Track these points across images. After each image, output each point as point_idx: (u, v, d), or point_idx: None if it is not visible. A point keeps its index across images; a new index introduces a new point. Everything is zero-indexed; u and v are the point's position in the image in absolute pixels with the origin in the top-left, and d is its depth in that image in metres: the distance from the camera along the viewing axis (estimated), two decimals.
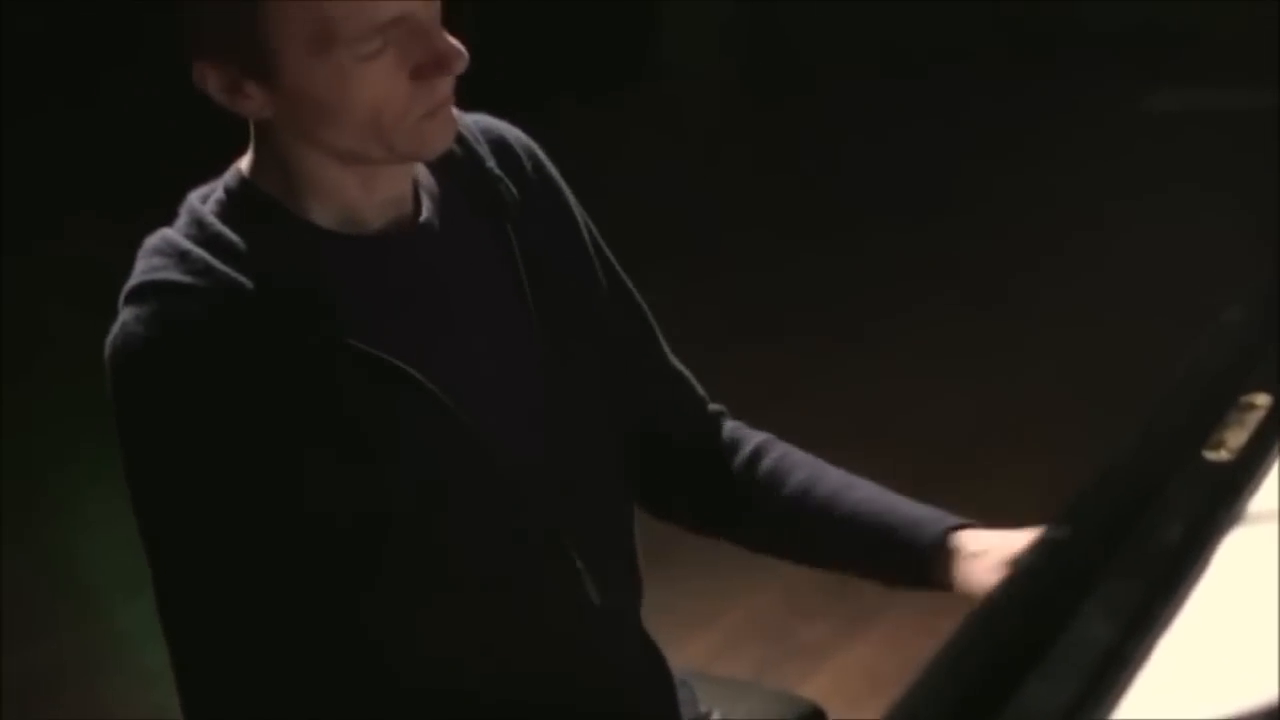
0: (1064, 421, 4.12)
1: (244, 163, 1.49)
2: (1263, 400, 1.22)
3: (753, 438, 1.73)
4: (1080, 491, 1.18)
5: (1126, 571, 1.00)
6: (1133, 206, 5.74)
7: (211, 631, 1.43)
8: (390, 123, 1.39)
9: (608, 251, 1.67)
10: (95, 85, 7.17)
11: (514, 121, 1.66)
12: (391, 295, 1.46)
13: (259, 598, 1.42)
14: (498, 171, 1.56)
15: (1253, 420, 1.19)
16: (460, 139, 1.54)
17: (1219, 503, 1.07)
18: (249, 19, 1.35)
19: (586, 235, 1.64)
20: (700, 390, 1.75)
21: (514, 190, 1.57)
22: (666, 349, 1.72)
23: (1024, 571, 1.04)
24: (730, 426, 1.74)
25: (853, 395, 4.60)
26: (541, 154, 1.63)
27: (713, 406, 1.75)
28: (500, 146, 1.59)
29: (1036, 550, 1.07)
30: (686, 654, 3.15)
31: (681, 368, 1.73)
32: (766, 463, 1.69)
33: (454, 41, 1.40)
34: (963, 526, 1.57)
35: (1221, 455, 1.15)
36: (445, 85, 1.41)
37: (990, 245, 5.72)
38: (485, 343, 1.51)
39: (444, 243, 1.51)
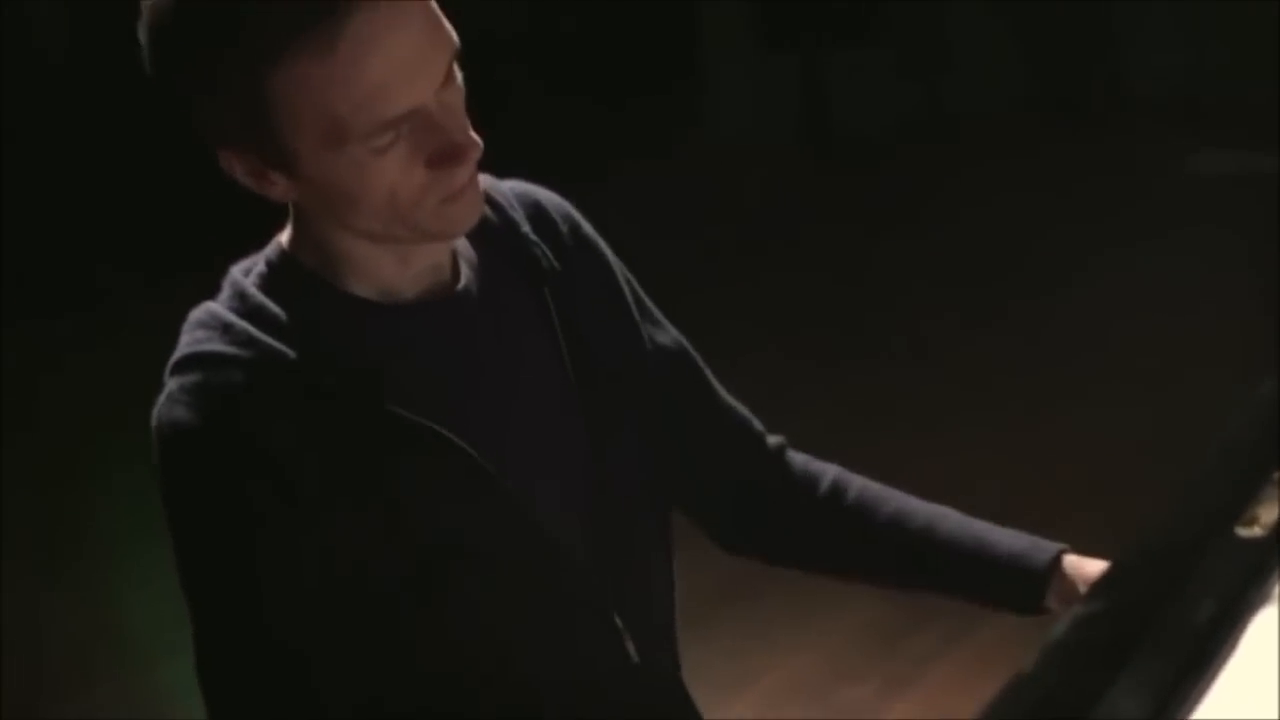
0: (1109, 483, 4.12)
1: (284, 236, 1.51)
2: None
3: (827, 470, 1.76)
4: (1113, 565, 1.19)
5: (1157, 649, 1.01)
6: (1172, 266, 5.74)
7: (246, 694, 1.44)
8: (408, 208, 1.40)
9: (649, 303, 1.68)
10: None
11: (565, 180, 1.67)
12: (431, 362, 1.48)
13: (295, 661, 1.44)
14: (533, 237, 1.58)
15: None
16: (496, 205, 1.56)
17: (1251, 580, 1.07)
18: (263, 118, 1.35)
19: (627, 291, 1.65)
20: (758, 425, 1.77)
21: (550, 255, 1.58)
22: (719, 389, 1.74)
23: (1055, 645, 1.05)
24: (800, 459, 1.77)
25: (894, 452, 4.60)
26: (577, 215, 1.65)
27: (773, 439, 1.77)
28: (536, 211, 1.61)
29: (1068, 624, 1.07)
30: (728, 715, 3.16)
31: (737, 404, 1.76)
32: (852, 493, 1.72)
33: (470, 132, 1.40)
34: (1064, 551, 1.62)
35: (1255, 531, 1.15)
36: (463, 172, 1.41)
37: (1034, 302, 5.73)
38: (525, 409, 1.52)
39: (482, 309, 1.52)
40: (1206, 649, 0.99)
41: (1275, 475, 1.24)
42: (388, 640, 1.46)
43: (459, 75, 1.40)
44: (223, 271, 1.52)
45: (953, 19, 8.59)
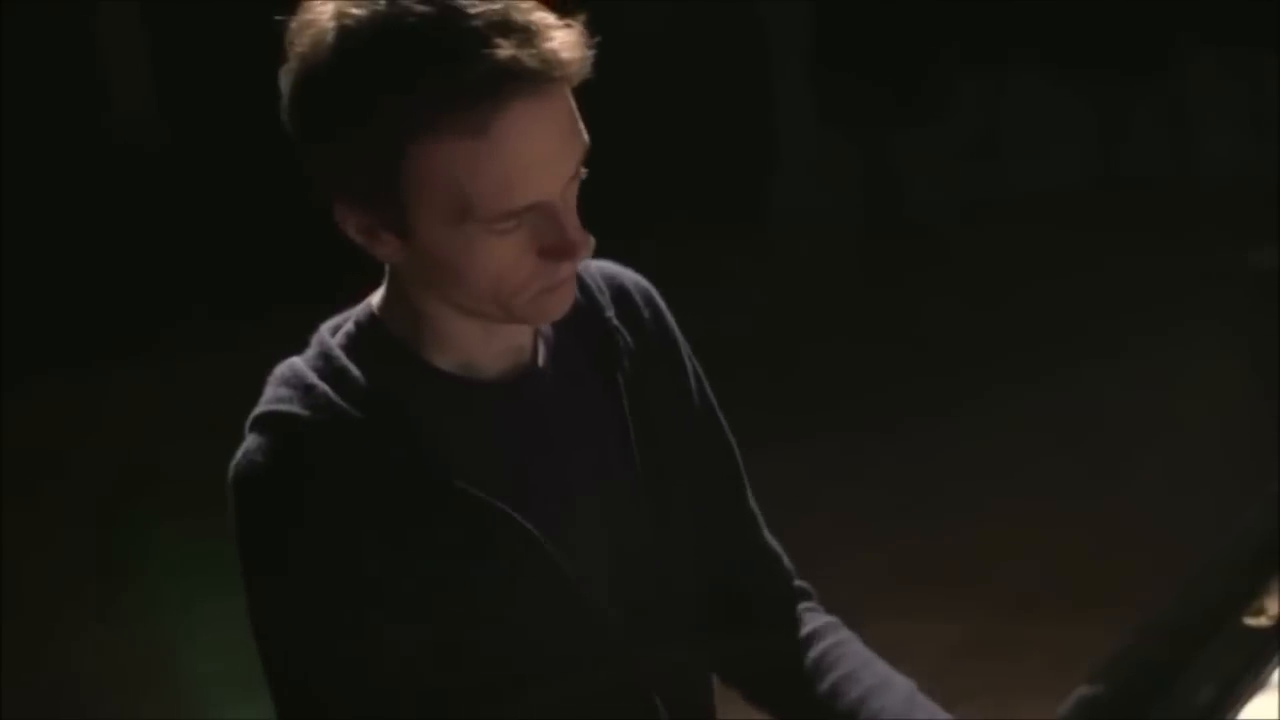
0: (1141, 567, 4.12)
1: (376, 299, 1.52)
2: None
3: (813, 621, 1.71)
4: (1122, 646, 1.23)
5: None
6: (1227, 359, 5.76)
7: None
8: (510, 293, 1.41)
9: (712, 398, 1.67)
10: None
11: (635, 246, 1.68)
12: (503, 441, 1.49)
13: (351, 709, 1.47)
14: (615, 322, 1.58)
15: None
16: (583, 286, 1.56)
17: (1252, 667, 1.11)
18: (393, 184, 1.37)
19: (694, 384, 1.65)
20: (790, 567, 1.73)
21: (630, 340, 1.59)
22: (750, 502, 1.70)
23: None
24: (804, 606, 1.72)
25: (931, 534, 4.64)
26: (660, 302, 1.64)
27: (799, 583, 1.73)
28: (620, 295, 1.61)
29: (1073, 703, 1.12)
30: None
31: (773, 541, 1.72)
32: (815, 650, 1.68)
33: (582, 230, 1.41)
34: None
35: (1261, 622, 1.20)
36: (570, 266, 1.43)
37: (1090, 390, 5.75)
38: (589, 493, 1.53)
39: (557, 392, 1.54)
40: None
41: None
42: (431, 700, 1.48)
43: (582, 172, 1.42)
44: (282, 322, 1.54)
45: (1018, 99, 8.65)
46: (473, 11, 1.32)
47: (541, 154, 1.37)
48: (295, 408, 1.44)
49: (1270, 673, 1.11)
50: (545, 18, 1.35)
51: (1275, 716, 1.05)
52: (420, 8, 1.33)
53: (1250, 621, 1.20)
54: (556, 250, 1.39)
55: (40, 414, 6.49)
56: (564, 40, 1.34)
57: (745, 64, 8.86)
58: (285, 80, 1.39)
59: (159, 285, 7.54)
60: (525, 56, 1.32)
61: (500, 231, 1.37)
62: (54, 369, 6.87)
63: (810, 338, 6.64)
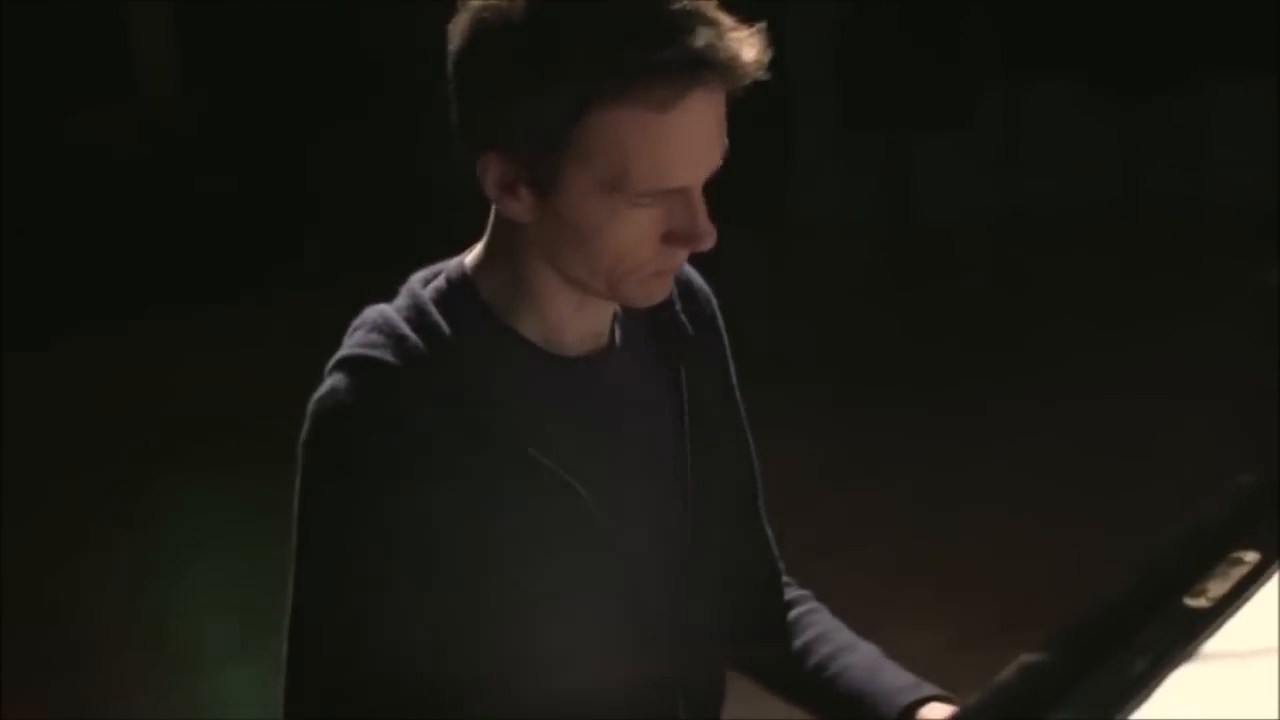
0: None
1: (469, 259, 1.58)
2: (1251, 557, 1.32)
3: (789, 591, 1.82)
4: (1068, 623, 1.29)
5: (1086, 696, 1.11)
6: (1234, 378, 5.79)
7: (328, 664, 1.53)
8: (626, 270, 1.49)
9: (742, 411, 1.75)
10: None
11: None
12: (575, 414, 1.56)
13: (379, 648, 1.52)
14: (683, 316, 1.66)
15: (1237, 574, 1.29)
16: None
17: (1185, 644, 1.17)
18: (564, 140, 1.43)
19: (735, 392, 1.73)
20: (776, 552, 1.82)
21: (692, 333, 1.66)
22: (763, 508, 1.80)
23: (999, 686, 1.15)
24: (794, 608, 1.81)
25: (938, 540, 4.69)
26: (715, 303, 1.72)
27: (786, 581, 1.83)
28: (687, 290, 1.69)
29: (1016, 669, 1.18)
30: None
31: (769, 531, 1.81)
32: (791, 614, 1.79)
33: (710, 223, 1.49)
34: (930, 699, 1.64)
35: (1200, 603, 1.25)
36: (684, 255, 1.51)
37: (1097, 401, 5.79)
38: (644, 472, 1.60)
39: (627, 374, 1.60)
40: (1128, 698, 1.09)
41: (1232, 555, 1.34)
42: (464, 653, 1.54)
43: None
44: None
45: (1041, 111, 8.68)
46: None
47: (703, 143, 1.46)
48: (387, 355, 1.50)
49: (1199, 646, 1.16)
50: (730, 19, 1.44)
51: (1197, 683, 1.11)
52: None
53: (1190, 602, 1.26)
54: (684, 237, 1.48)
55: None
56: (749, 42, 1.44)
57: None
58: (464, 24, 1.46)
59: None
60: (719, 49, 1.41)
61: (641, 206, 1.45)
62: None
63: (824, 340, 6.69)
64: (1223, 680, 1.11)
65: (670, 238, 1.48)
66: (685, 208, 1.47)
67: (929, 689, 1.65)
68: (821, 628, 1.77)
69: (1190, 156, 8.61)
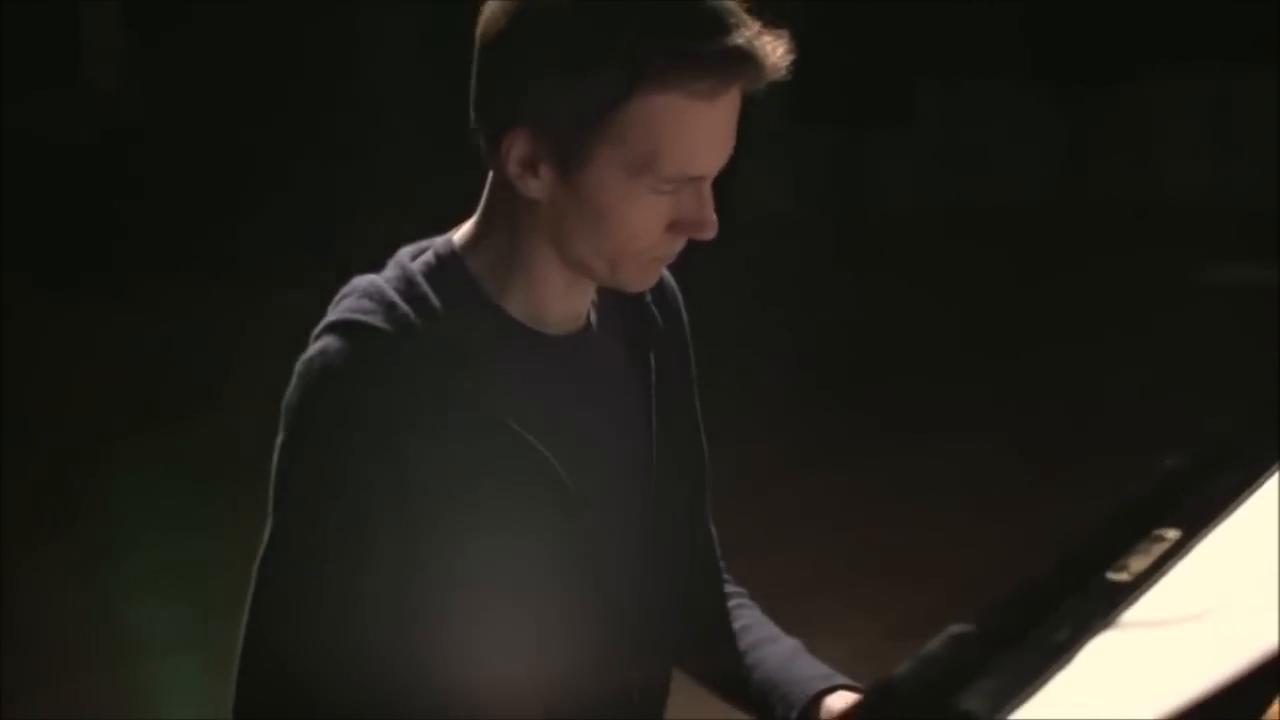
0: None
1: (458, 236, 1.64)
2: (1172, 534, 1.36)
3: (745, 633, 1.84)
4: (997, 597, 1.33)
5: (1009, 663, 1.14)
6: (1178, 372, 5.87)
7: (290, 613, 1.56)
8: (632, 252, 1.56)
9: (695, 396, 1.81)
10: None
11: None
12: (552, 389, 1.62)
13: (362, 604, 1.55)
14: (654, 307, 1.73)
15: (1158, 550, 1.33)
16: None
17: (1105, 615, 1.21)
18: (600, 121, 1.50)
19: (695, 391, 1.80)
20: (718, 551, 1.88)
21: (661, 324, 1.74)
22: (709, 512, 1.85)
23: (925, 656, 1.19)
24: (735, 613, 1.86)
25: (887, 526, 4.74)
26: (682, 302, 1.79)
27: (731, 587, 1.88)
28: (659, 285, 1.74)
29: (943, 639, 1.21)
30: None
31: (713, 528, 1.87)
32: (748, 659, 1.81)
33: (714, 215, 1.58)
34: (840, 688, 1.70)
35: (1123, 577, 1.29)
36: (682, 243, 1.60)
37: (1044, 394, 5.85)
38: (614, 453, 1.67)
39: (603, 356, 1.68)
40: (1048, 666, 1.13)
41: (1154, 532, 1.38)
42: (425, 613, 1.57)
43: None
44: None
45: (988, 107, 8.76)
46: None
47: (726, 135, 1.56)
48: (377, 320, 1.55)
49: (1117, 617, 1.20)
50: (756, 22, 1.55)
51: (1115, 650, 1.15)
52: None
53: (1113, 576, 1.30)
54: (692, 224, 1.57)
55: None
56: (779, 46, 1.54)
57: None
58: (510, 3, 1.52)
59: None
60: (757, 47, 1.51)
61: (660, 192, 1.53)
62: None
63: (774, 335, 6.74)
64: (1140, 647, 1.15)
65: (676, 225, 1.57)
66: (696, 197, 1.56)
67: (840, 679, 1.71)
68: (745, 621, 1.83)
69: (1134, 151, 8.70)
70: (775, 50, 1.53)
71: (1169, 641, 1.13)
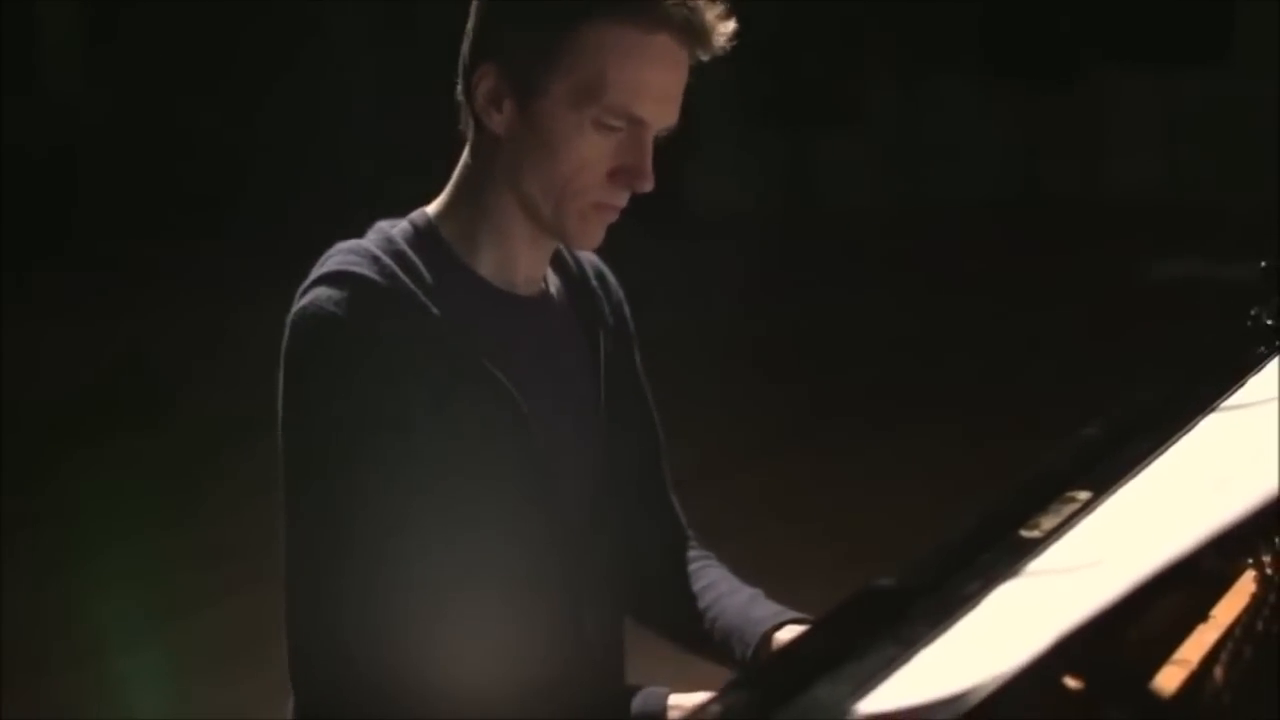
0: None
1: (431, 207, 1.80)
2: (1083, 495, 1.44)
3: (707, 589, 1.96)
4: (916, 553, 1.40)
5: (921, 611, 1.22)
6: (1129, 365, 5.97)
7: (308, 543, 1.68)
8: (574, 191, 1.70)
9: (645, 382, 1.96)
10: None
11: None
12: (520, 341, 1.77)
13: (355, 527, 1.66)
14: (600, 294, 1.89)
15: (1069, 510, 1.41)
16: (574, 259, 1.89)
17: (1012, 567, 1.29)
18: (551, 50, 1.66)
19: (638, 358, 1.95)
20: (683, 520, 2.02)
21: (608, 311, 1.89)
22: (668, 479, 2.00)
23: (843, 606, 1.26)
24: (697, 570, 1.99)
25: (843, 514, 4.82)
26: (626, 306, 1.94)
27: (693, 550, 2.01)
28: (599, 275, 1.93)
29: (863, 590, 1.29)
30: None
31: (675, 501, 2.01)
32: (710, 612, 1.93)
33: (652, 172, 1.72)
34: (785, 624, 1.82)
35: (1034, 534, 1.37)
36: (624, 198, 1.74)
37: (992, 385, 5.94)
38: (569, 406, 1.81)
39: (559, 319, 1.84)
40: (956, 612, 1.21)
41: (1067, 494, 1.46)
42: (405, 542, 1.67)
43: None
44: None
45: (937, 108, 8.85)
46: None
47: (667, 87, 1.70)
48: (366, 271, 1.69)
49: (1022, 568, 1.28)
50: (718, 4, 1.71)
51: (1018, 596, 1.22)
52: None
53: (1024, 533, 1.38)
54: (630, 171, 1.71)
55: None
56: (722, 26, 1.71)
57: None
58: None
59: None
60: (699, 6, 1.68)
61: (603, 128, 1.69)
62: None
63: (729, 328, 6.81)
64: (1042, 593, 1.23)
65: (617, 174, 1.71)
66: (637, 145, 1.71)
67: (790, 614, 1.83)
68: (709, 579, 1.96)
69: (1085, 148, 8.81)
70: (716, 23, 1.69)
71: (1069, 590, 1.21)
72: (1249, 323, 2.00)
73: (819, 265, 7.98)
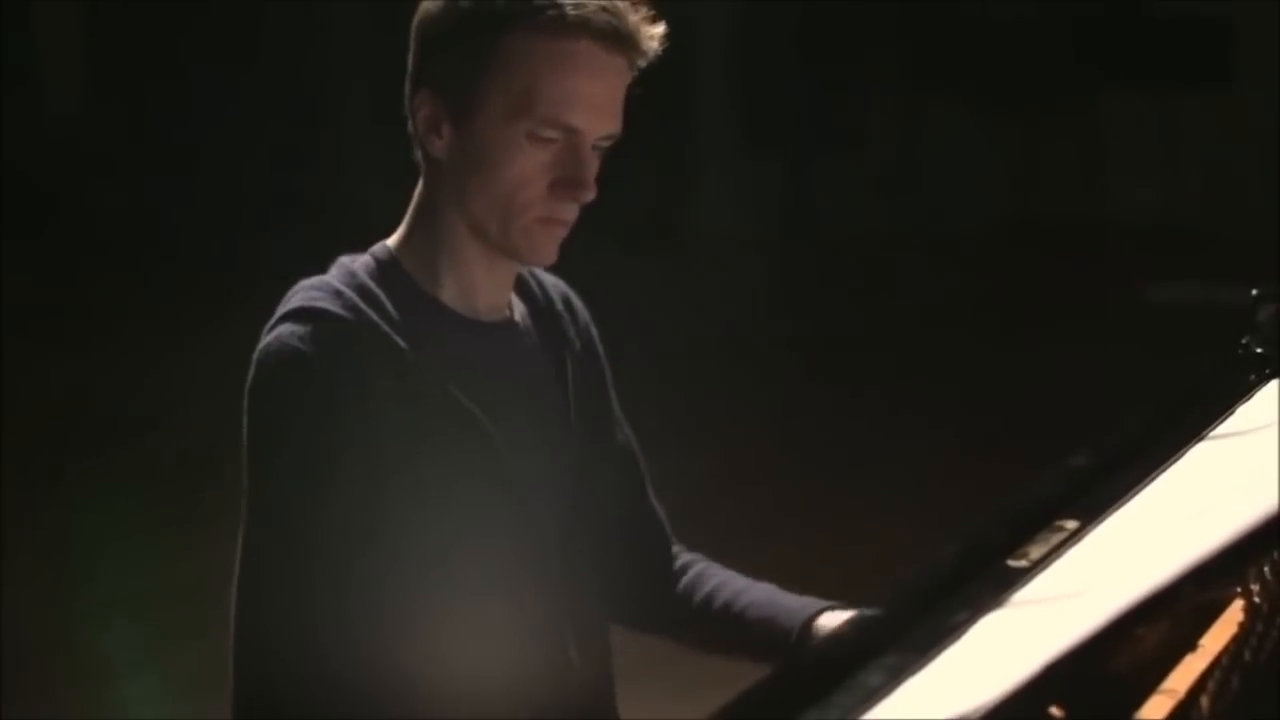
0: None
1: (392, 240, 1.81)
2: (1071, 524, 1.45)
3: (683, 556, 2.02)
4: (905, 578, 1.41)
5: (910, 641, 1.23)
6: (1127, 388, 5.96)
7: (272, 579, 1.67)
8: (517, 208, 1.71)
9: (616, 404, 1.97)
10: None
11: (553, 267, 1.93)
12: (485, 367, 1.77)
13: (312, 558, 1.66)
14: (566, 319, 1.89)
15: (1057, 539, 1.42)
16: (538, 284, 1.89)
17: (998, 597, 1.29)
18: (477, 69, 1.68)
19: (609, 379, 1.95)
20: (669, 531, 2.03)
21: (572, 332, 1.89)
22: (651, 494, 2.01)
23: (835, 636, 1.27)
24: (692, 571, 2.00)
25: (843, 536, 4.83)
26: (589, 317, 1.95)
27: (682, 556, 2.03)
28: (565, 299, 1.93)
29: (852, 621, 1.30)
30: None
31: (660, 512, 2.02)
32: (687, 578, 2.00)
33: (593, 181, 1.72)
34: (829, 609, 1.84)
35: (1021, 563, 1.38)
36: (569, 209, 1.74)
37: (992, 407, 5.94)
38: (537, 426, 1.81)
39: (524, 343, 1.84)
40: (942, 642, 1.21)
41: (1055, 523, 1.47)
42: (379, 570, 1.68)
43: (600, 158, 1.74)
44: None
45: (934, 133, 8.87)
46: None
47: (597, 94, 1.70)
48: (330, 305, 1.70)
49: (1008, 598, 1.29)
50: (642, 7, 1.72)
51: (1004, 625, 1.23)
52: None
53: (1012, 563, 1.38)
54: (569, 182, 1.71)
55: None
56: (647, 26, 1.71)
57: (668, 87, 9.04)
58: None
59: None
60: (620, 11, 1.69)
61: (537, 140, 1.70)
62: None
63: (723, 362, 6.81)
64: (1027, 623, 1.23)
65: (557, 185, 1.71)
66: (574, 156, 1.71)
67: (826, 603, 1.85)
68: (719, 578, 1.97)
69: (1084, 173, 8.82)
70: (638, 29, 1.70)
71: (1055, 619, 1.21)
72: (1240, 350, 2.01)
73: (820, 284, 7.98)
